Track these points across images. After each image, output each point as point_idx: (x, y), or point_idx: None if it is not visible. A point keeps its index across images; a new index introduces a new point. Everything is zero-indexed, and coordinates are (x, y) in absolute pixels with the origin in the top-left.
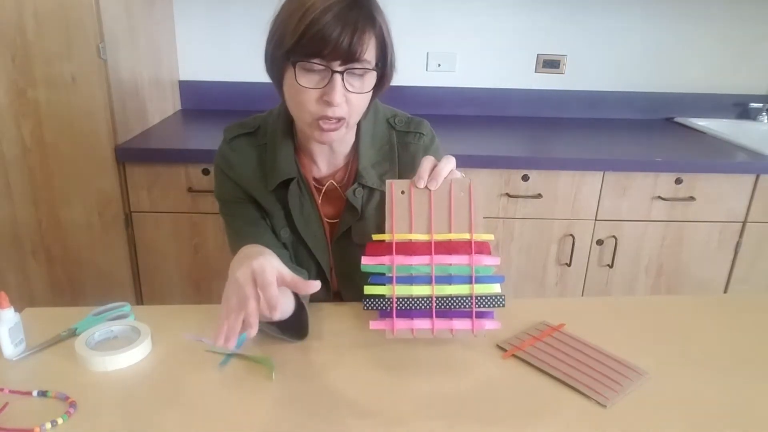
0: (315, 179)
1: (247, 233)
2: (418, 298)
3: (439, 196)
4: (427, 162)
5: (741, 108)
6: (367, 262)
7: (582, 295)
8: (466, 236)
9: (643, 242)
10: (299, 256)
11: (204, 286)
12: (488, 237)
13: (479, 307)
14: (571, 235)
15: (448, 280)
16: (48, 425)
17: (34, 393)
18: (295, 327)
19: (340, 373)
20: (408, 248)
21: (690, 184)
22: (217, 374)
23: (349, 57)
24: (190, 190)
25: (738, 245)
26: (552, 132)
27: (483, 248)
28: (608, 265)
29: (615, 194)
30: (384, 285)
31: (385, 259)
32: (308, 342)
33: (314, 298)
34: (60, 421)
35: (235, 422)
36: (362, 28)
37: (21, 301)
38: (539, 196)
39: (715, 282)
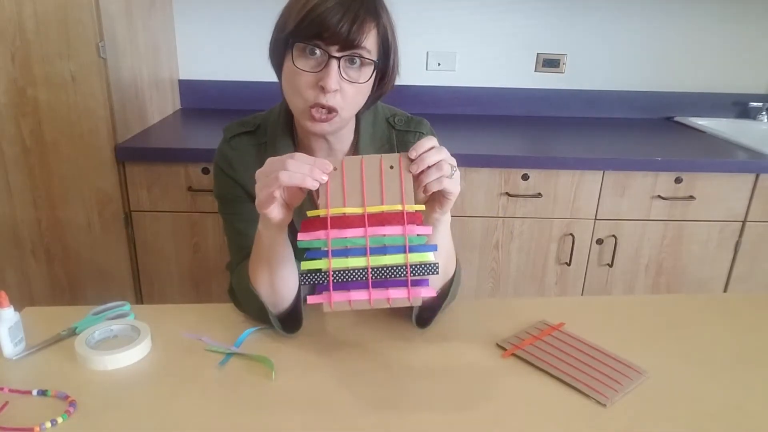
0: None
1: (247, 232)
2: (354, 270)
3: (370, 170)
4: (428, 142)
5: (741, 107)
6: (302, 238)
7: (582, 294)
8: (398, 207)
9: (643, 241)
10: (299, 255)
11: (204, 285)
12: (419, 207)
13: (414, 275)
14: (571, 234)
15: (382, 250)
16: (48, 424)
17: (34, 392)
18: (292, 319)
19: (340, 372)
20: (342, 222)
21: (690, 184)
22: (217, 373)
23: (348, 44)
24: (189, 189)
25: (738, 244)
26: (552, 131)
27: (415, 218)
28: (608, 264)
29: (615, 193)
30: (320, 259)
31: (320, 234)
32: (308, 340)
33: None
34: (60, 420)
35: (235, 421)
36: (363, 17)
37: (21, 300)
38: (539, 195)
39: (714, 281)
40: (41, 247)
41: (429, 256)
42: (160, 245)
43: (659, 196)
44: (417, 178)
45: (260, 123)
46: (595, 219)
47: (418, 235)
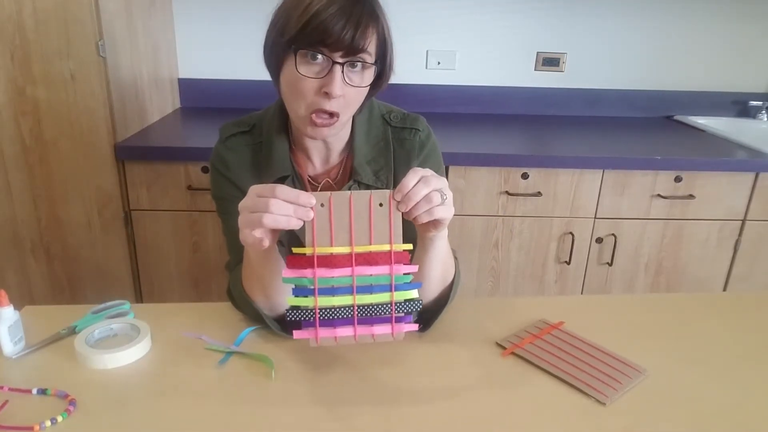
0: (310, 177)
1: None
2: (340, 308)
3: (359, 207)
4: (413, 177)
5: (740, 106)
6: (287, 274)
7: (581, 293)
8: (386, 247)
9: (643, 240)
10: None
11: (203, 284)
12: (407, 247)
13: (398, 312)
14: (571, 233)
15: (368, 289)
16: (48, 423)
17: (34, 391)
18: (292, 321)
19: (339, 372)
20: (329, 261)
21: (689, 182)
22: (217, 372)
23: (351, 50)
24: (189, 188)
25: (737, 243)
26: (551, 130)
27: (402, 258)
28: (608, 263)
29: (614, 192)
30: (306, 297)
31: (306, 272)
32: (307, 340)
33: None
34: (60, 419)
35: (235, 420)
36: (365, 23)
37: (20, 299)
38: (539, 194)
39: (714, 280)
40: (41, 246)
41: (413, 293)
42: (160, 244)
43: (659, 195)
44: (406, 213)
45: (256, 123)
46: (595, 218)
47: (404, 273)
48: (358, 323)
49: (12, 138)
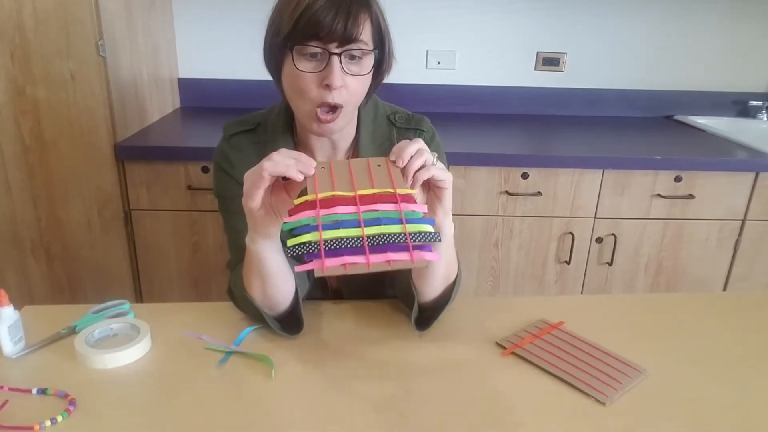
0: None
1: (246, 231)
2: (347, 239)
3: (358, 168)
4: (404, 140)
5: (740, 106)
6: (289, 220)
7: (581, 293)
8: (390, 190)
9: (643, 240)
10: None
11: (203, 284)
12: (411, 191)
13: (414, 241)
14: (571, 233)
15: (376, 222)
16: (48, 423)
17: (34, 391)
18: (291, 321)
19: (339, 371)
20: (332, 202)
21: (689, 182)
22: (217, 372)
23: (346, 39)
24: (189, 188)
25: (737, 243)
26: (551, 130)
27: (408, 199)
28: (607, 263)
29: (614, 192)
30: (309, 233)
31: (309, 213)
32: (308, 340)
33: (314, 296)
34: (59, 418)
35: (235, 420)
36: (356, 11)
37: (20, 299)
38: (539, 194)
39: (714, 280)
40: (41, 245)
41: (427, 227)
42: (160, 244)
43: (659, 195)
44: (404, 171)
45: (260, 121)
46: (595, 218)
47: (413, 210)
48: (371, 252)
49: (12, 138)
